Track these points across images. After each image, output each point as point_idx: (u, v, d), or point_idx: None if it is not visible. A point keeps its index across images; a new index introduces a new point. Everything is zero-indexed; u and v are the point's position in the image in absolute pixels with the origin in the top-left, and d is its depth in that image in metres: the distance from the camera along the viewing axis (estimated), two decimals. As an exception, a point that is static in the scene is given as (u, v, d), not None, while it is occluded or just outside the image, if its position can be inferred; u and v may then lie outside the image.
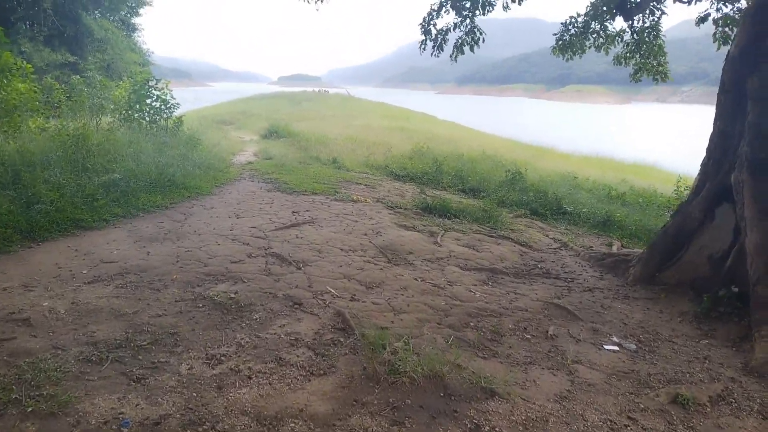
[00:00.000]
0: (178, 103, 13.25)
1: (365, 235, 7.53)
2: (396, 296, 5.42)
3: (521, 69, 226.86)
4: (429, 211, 9.77)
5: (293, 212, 8.39)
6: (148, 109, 12.94)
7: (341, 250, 6.74)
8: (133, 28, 39.99)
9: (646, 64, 11.25)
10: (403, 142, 20.44)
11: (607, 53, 11.39)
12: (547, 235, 9.52)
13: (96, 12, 34.06)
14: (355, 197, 9.87)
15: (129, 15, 38.81)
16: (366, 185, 11.89)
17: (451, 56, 10.37)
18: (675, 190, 13.58)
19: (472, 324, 4.92)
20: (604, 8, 11.48)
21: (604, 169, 23.82)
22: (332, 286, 5.50)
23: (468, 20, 10.69)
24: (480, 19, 11.05)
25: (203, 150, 12.73)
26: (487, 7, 11.37)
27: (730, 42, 9.69)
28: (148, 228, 6.75)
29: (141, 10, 40.27)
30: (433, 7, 11.30)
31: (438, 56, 10.54)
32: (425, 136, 24.46)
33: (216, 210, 8.11)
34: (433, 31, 10.57)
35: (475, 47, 11.02)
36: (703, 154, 7.02)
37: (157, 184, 8.71)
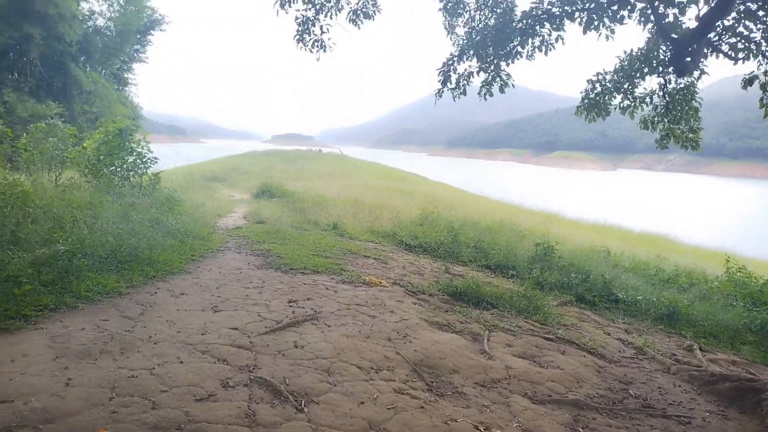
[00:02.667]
0: (156, 158, 11.37)
1: (389, 340, 5.48)
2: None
3: (508, 134, 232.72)
4: (459, 298, 7.80)
5: (290, 302, 6.35)
6: (119, 164, 11.04)
7: (360, 369, 4.66)
8: (125, 83, 39.08)
9: (674, 129, 9.95)
10: (406, 205, 18.69)
11: (632, 117, 10.11)
12: (608, 334, 7.55)
13: (86, 65, 33.11)
14: (367, 278, 7.87)
15: (121, 70, 38.01)
16: (375, 259, 9.92)
17: (479, 93, 9.88)
18: (726, 272, 11.79)
19: None
20: (643, 64, 10.24)
21: (621, 239, 22.22)
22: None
23: (493, 66, 10.07)
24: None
25: (183, 212, 10.76)
26: (512, 57, 10.28)
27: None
28: (83, 331, 4.65)
29: (135, 65, 39.55)
30: (453, 54, 10.46)
31: (455, 100, 10.25)
32: (427, 199, 22.84)
33: (187, 299, 6.03)
34: (453, 78, 10.19)
35: (492, 90, 10.07)
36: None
37: (112, 260, 6.67)
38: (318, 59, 11.05)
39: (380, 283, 7.75)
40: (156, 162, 11.37)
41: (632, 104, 10.12)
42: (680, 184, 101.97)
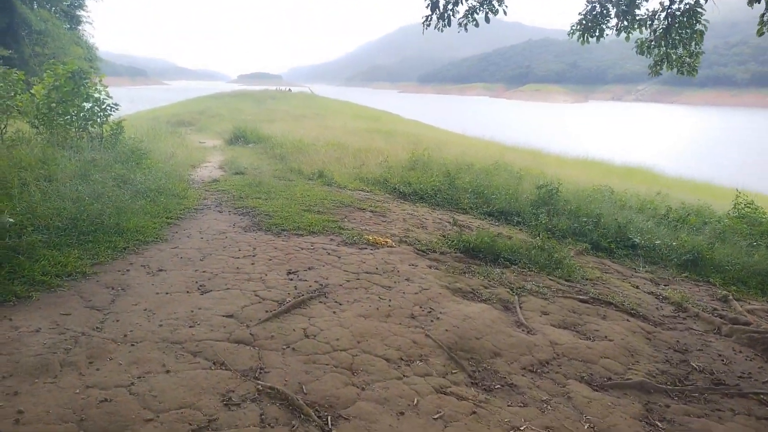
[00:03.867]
0: (115, 104, 9.97)
1: (413, 318, 4.64)
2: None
3: (481, 68, 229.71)
4: (473, 255, 6.99)
5: (289, 273, 5.42)
6: (75, 112, 9.65)
7: (388, 362, 3.83)
8: (77, 21, 36.03)
9: (671, 54, 9.33)
10: (392, 148, 17.63)
11: (628, 39, 9.59)
12: (637, 287, 6.89)
13: (33, 2, 30.22)
14: (370, 237, 6.96)
15: (73, 6, 34.97)
16: (372, 212, 8.99)
17: (460, 24, 9.29)
18: (734, 208, 11.26)
19: None
20: None
21: (606, 174, 21.73)
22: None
23: None
24: None
25: (151, 166, 9.55)
26: None
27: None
28: (39, 334, 3.67)
29: (87, 2, 36.32)
30: None
31: (442, 31, 9.39)
32: (409, 140, 21.79)
33: (166, 276, 5.04)
34: (441, 3, 9.30)
35: (482, 17, 9.46)
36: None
37: (72, 231, 5.59)
38: None
39: (386, 242, 6.85)
40: (117, 109, 10.00)
41: (629, 26, 9.34)
42: (652, 114, 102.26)
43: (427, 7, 10.10)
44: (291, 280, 5.23)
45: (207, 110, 33.55)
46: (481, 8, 10.17)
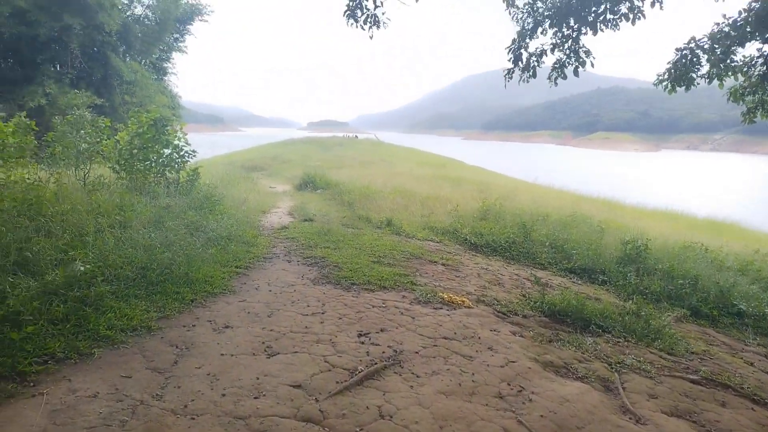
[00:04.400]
0: (194, 151, 10.16)
1: (501, 398, 4.05)
2: None
3: (546, 116, 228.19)
4: (559, 319, 6.31)
5: (360, 335, 4.99)
6: (155, 158, 9.88)
7: (478, 454, 3.27)
8: (164, 72, 38.51)
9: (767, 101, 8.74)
10: (460, 196, 17.17)
11: (722, 86, 9.01)
12: (752, 364, 5.98)
13: (126, 55, 32.59)
14: (445, 296, 6.45)
15: (160, 59, 37.45)
16: (444, 265, 8.49)
17: (549, 78, 8.91)
18: None
19: None
20: (750, 26, 8.74)
21: (690, 227, 20.25)
22: None
23: (571, 41, 8.92)
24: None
25: (224, 212, 9.55)
26: (597, 26, 8.91)
27: None
28: (96, 400, 3.39)
29: (174, 55, 38.83)
30: (525, 27, 9.14)
31: (528, 81, 9.07)
32: (478, 187, 21.30)
33: (232, 334, 4.74)
34: (524, 56, 9.08)
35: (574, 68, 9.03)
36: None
37: (141, 282, 5.44)
38: (371, 36, 9.87)
39: (463, 302, 6.32)
40: (195, 155, 10.17)
41: (723, 73, 8.81)
42: (731, 165, 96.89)
43: (509, 60, 9.83)
44: (362, 343, 4.79)
45: (279, 156, 34.57)
46: (569, 62, 9.75)
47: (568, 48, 9.61)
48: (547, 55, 9.47)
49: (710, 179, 65.11)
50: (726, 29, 9.24)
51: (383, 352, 4.61)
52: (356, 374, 4.09)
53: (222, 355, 4.28)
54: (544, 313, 6.46)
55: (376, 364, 4.32)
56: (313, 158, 35.48)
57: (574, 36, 9.55)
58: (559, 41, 9.57)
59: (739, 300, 8.00)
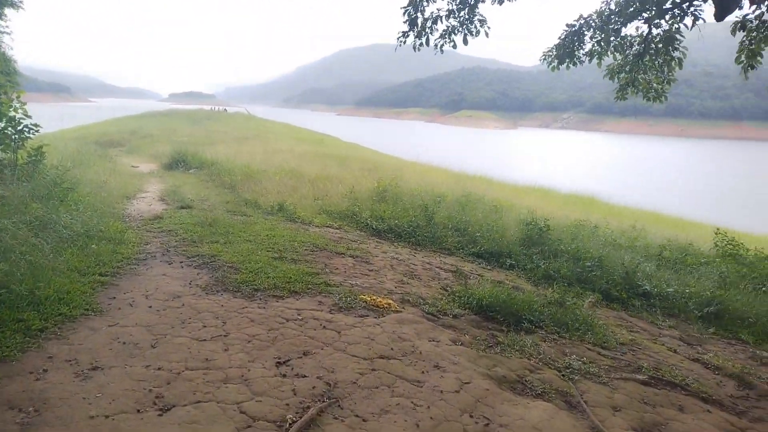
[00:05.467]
0: (35, 125, 8.09)
1: (469, 437, 3.30)
2: None
3: (416, 93, 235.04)
4: (488, 316, 5.77)
5: (279, 364, 3.94)
6: (-19, 134, 7.69)
7: None
8: (-8, 32, 32.56)
9: (637, 79, 9.29)
10: (350, 175, 16.37)
11: (600, 64, 9.34)
12: (676, 351, 5.91)
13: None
14: (367, 298, 5.58)
15: (-13, 16, 31.53)
16: (353, 257, 7.60)
17: (436, 46, 8.88)
18: (715, 246, 10.74)
19: None
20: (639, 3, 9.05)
21: (566, 204, 21.44)
22: None
23: (468, 8, 8.80)
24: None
25: (79, 200, 7.76)
26: None
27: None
28: None
29: (7, 11, 32.97)
30: None
31: (418, 50, 9.00)
32: (365, 165, 20.66)
33: (104, 378, 3.44)
34: (420, 20, 8.78)
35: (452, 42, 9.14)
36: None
37: (-40, 310, 3.88)
38: None
39: (388, 304, 5.49)
40: (37, 131, 8.12)
41: (603, 51, 9.17)
42: (579, 141, 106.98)
43: (405, 22, 9.35)
44: (284, 376, 3.76)
45: (138, 130, 31.06)
46: (460, 29, 9.44)
47: (464, 15, 9.30)
48: (442, 22, 8.85)
49: (564, 155, 71.10)
50: (613, 7, 9.37)
51: (313, 388, 3.63)
52: (286, 429, 3.09)
53: (92, 417, 3.02)
54: (473, 310, 5.88)
55: (308, 408, 3.34)
56: (179, 133, 32.44)
57: (471, 3, 9.24)
58: (456, 7, 9.23)
59: (642, 280, 8.10)
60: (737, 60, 9.01)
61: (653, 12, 8.79)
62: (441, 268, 7.88)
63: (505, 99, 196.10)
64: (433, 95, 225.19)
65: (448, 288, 6.69)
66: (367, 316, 5.12)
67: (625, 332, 6.32)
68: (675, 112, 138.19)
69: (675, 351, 5.93)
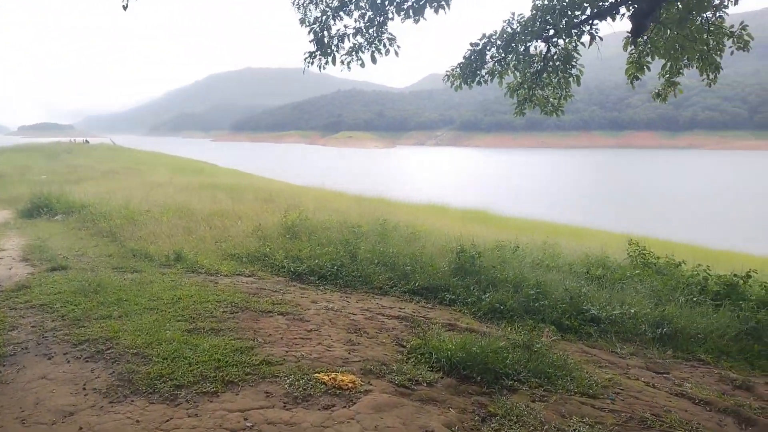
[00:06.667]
0: None
1: None
2: None
3: (295, 116, 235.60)
4: (464, 377, 4.93)
5: None
6: None
7: None
8: None
9: (534, 94, 9.41)
10: (246, 208, 15.03)
11: (501, 83, 9.30)
12: (654, 386, 5.52)
13: None
14: (325, 377, 4.46)
15: None
16: (282, 314, 6.41)
17: (342, 62, 8.39)
18: (629, 256, 10.97)
19: None
20: (541, 24, 9.09)
21: (470, 221, 21.62)
22: None
23: (375, 27, 8.35)
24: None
25: None
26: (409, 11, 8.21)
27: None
28: None
29: None
30: (329, 3, 8.36)
31: (323, 69, 8.53)
32: (260, 195, 19.33)
33: None
34: (326, 38, 8.36)
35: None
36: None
37: None
38: (125, 6, 7.70)
39: (352, 383, 4.41)
40: None
41: (503, 70, 9.10)
42: (459, 157, 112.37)
43: (311, 41, 8.63)
44: None
45: (-18, 169, 26.76)
46: (368, 48, 8.84)
47: (372, 33, 8.78)
48: (349, 40, 8.40)
49: (445, 171, 73.89)
50: (515, 26, 9.27)
51: None
52: None
53: None
54: (444, 371, 5.01)
55: None
56: (36, 171, 28.61)
57: (380, 20, 8.73)
58: (364, 25, 8.66)
59: (587, 304, 7.77)
60: (627, 71, 9.31)
61: (554, 31, 8.82)
62: (383, 315, 6.95)
63: (382, 119, 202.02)
64: (311, 118, 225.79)
65: (403, 343, 5.77)
66: (334, 406, 4.02)
67: (596, 369, 5.81)
68: (534, 125, 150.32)
69: (654, 386, 5.50)
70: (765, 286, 8.62)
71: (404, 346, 5.65)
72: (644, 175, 69.28)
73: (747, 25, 8.81)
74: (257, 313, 6.35)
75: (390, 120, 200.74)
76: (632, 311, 7.57)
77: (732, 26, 8.91)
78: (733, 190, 49.70)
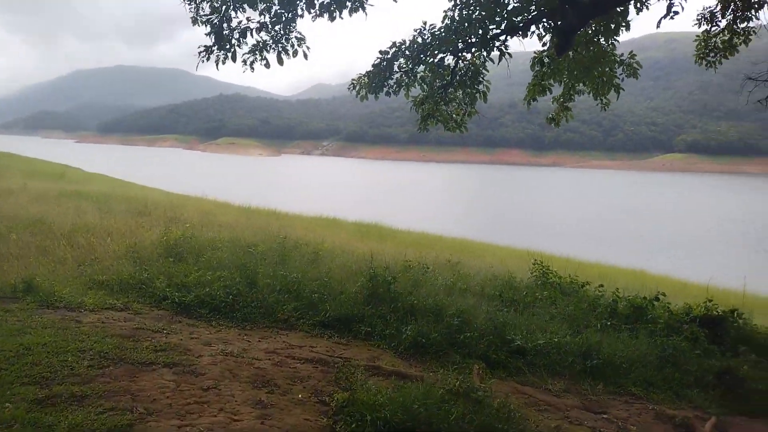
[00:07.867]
0: None
1: None
2: None
3: (171, 119, 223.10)
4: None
5: None
6: None
7: None
8: None
9: (438, 109, 9.16)
10: (120, 223, 13.06)
11: (408, 96, 9.00)
12: (585, 424, 5.04)
13: None
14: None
15: None
16: (167, 365, 5.08)
17: (245, 62, 7.69)
18: (533, 275, 10.91)
19: None
20: (454, 35, 8.85)
21: (367, 236, 20.96)
22: None
23: (283, 23, 7.69)
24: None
25: None
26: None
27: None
28: None
29: None
30: None
31: (224, 63, 7.59)
32: (132, 206, 17.18)
33: None
34: (226, 30, 7.59)
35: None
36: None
37: None
38: None
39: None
40: None
41: (410, 82, 8.78)
42: (345, 167, 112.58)
43: (207, 35, 7.55)
44: None
45: None
46: (274, 47, 7.90)
47: (279, 31, 7.87)
48: (252, 36, 7.68)
49: (332, 182, 73.19)
50: (426, 36, 8.88)
51: None
52: None
53: None
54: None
55: None
56: None
57: (289, 16, 7.85)
58: (270, 20, 7.70)
59: (511, 333, 7.25)
60: (528, 93, 9.54)
61: (463, 45, 8.51)
62: (293, 358, 5.87)
63: (267, 127, 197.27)
64: (190, 121, 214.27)
65: (326, 399, 4.76)
66: None
67: (539, 415, 5.25)
68: (417, 139, 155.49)
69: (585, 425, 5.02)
70: (668, 308, 8.76)
71: (328, 404, 4.64)
72: (518, 190, 74.04)
73: (635, 54, 9.11)
74: (135, 366, 4.97)
75: (275, 128, 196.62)
76: (555, 340, 7.16)
77: (622, 54, 9.11)
78: (594, 204, 54.57)
